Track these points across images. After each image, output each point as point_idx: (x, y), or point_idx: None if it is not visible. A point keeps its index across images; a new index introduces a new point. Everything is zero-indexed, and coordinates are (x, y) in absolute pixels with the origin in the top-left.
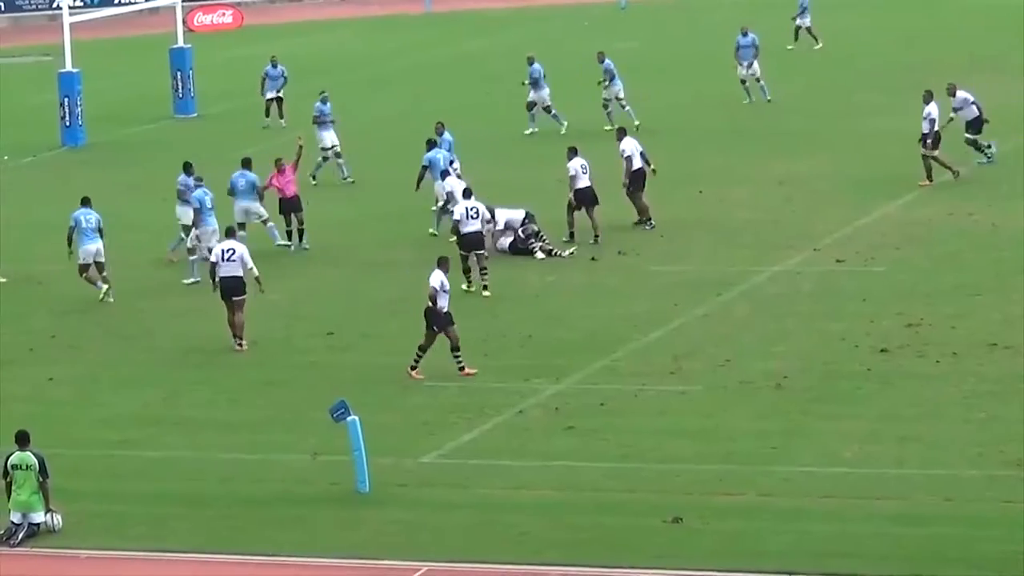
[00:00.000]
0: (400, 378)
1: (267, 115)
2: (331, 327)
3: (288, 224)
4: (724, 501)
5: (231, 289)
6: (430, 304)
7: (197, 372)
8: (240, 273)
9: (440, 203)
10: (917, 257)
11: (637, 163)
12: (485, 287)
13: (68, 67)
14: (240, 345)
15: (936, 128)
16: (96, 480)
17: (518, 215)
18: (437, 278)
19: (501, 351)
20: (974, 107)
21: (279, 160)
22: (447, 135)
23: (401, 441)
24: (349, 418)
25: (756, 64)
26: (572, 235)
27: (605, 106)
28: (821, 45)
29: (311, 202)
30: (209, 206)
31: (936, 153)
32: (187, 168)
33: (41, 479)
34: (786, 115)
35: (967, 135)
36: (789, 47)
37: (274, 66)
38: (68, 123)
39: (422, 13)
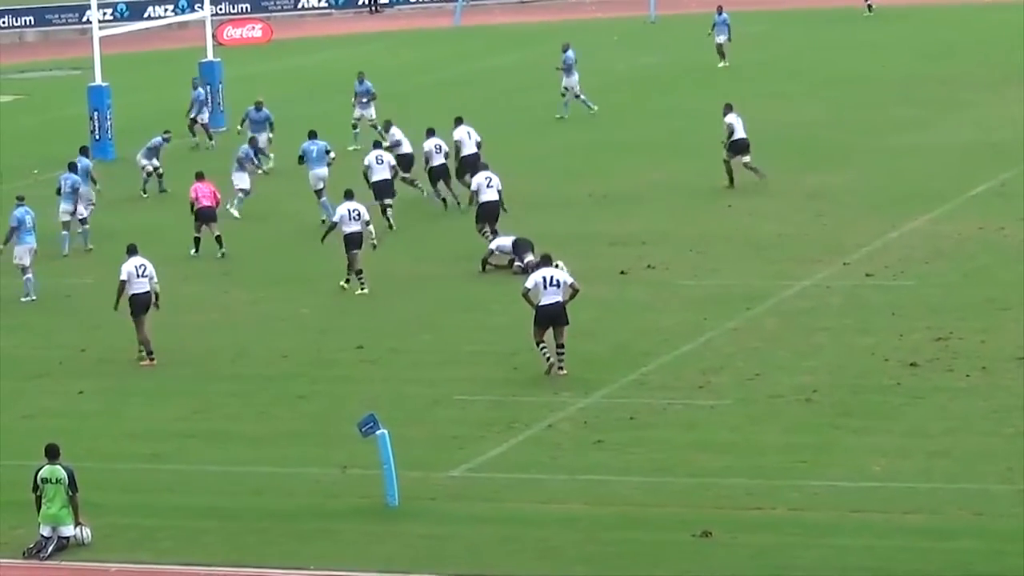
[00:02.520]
0: (429, 392)
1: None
2: (361, 341)
3: (198, 231)
4: (753, 515)
5: (143, 305)
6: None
7: (227, 385)
8: (149, 289)
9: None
10: (947, 271)
11: (740, 132)
12: (363, 285)
13: (98, 81)
14: (151, 360)
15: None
16: (126, 493)
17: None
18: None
19: (531, 365)
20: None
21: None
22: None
23: (430, 455)
24: (378, 432)
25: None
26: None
27: (563, 95)
28: (727, 64)
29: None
30: (29, 225)
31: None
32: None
33: (71, 492)
34: (816, 129)
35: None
36: (720, 64)
37: (258, 109)
38: (98, 137)
39: (451, 27)
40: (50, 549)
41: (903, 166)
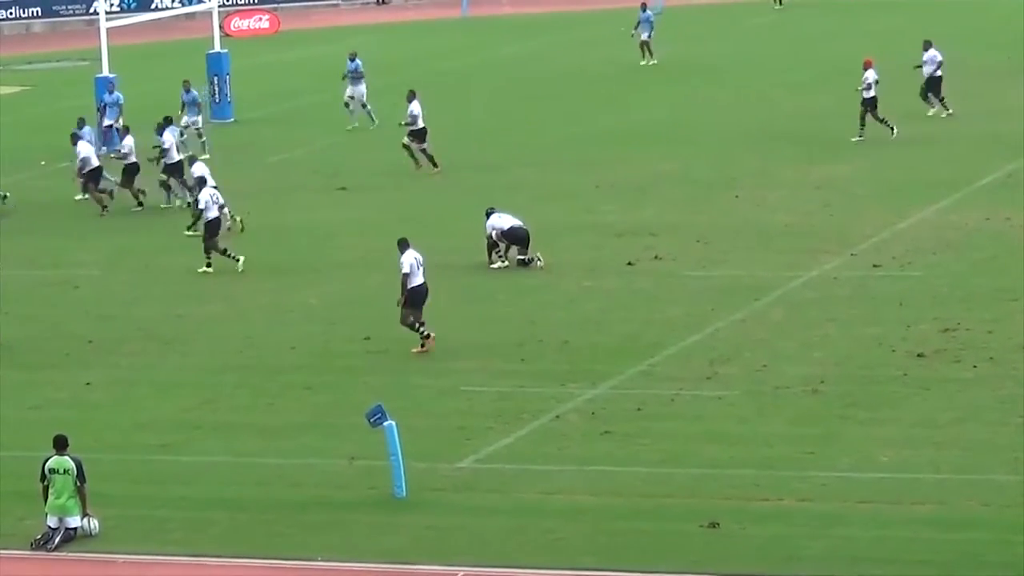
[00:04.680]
0: (437, 383)
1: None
2: (368, 332)
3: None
4: (761, 506)
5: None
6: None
7: (235, 376)
8: None
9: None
10: (954, 262)
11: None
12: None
13: (105, 72)
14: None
15: None
16: (134, 484)
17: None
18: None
19: (538, 356)
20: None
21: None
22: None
23: (438, 446)
24: (386, 423)
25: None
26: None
27: (347, 104)
28: (655, 62)
29: (347, 206)
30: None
31: None
32: None
33: (79, 483)
34: (823, 119)
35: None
36: (642, 63)
37: (187, 91)
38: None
39: (458, 18)
40: (57, 540)
41: (910, 157)
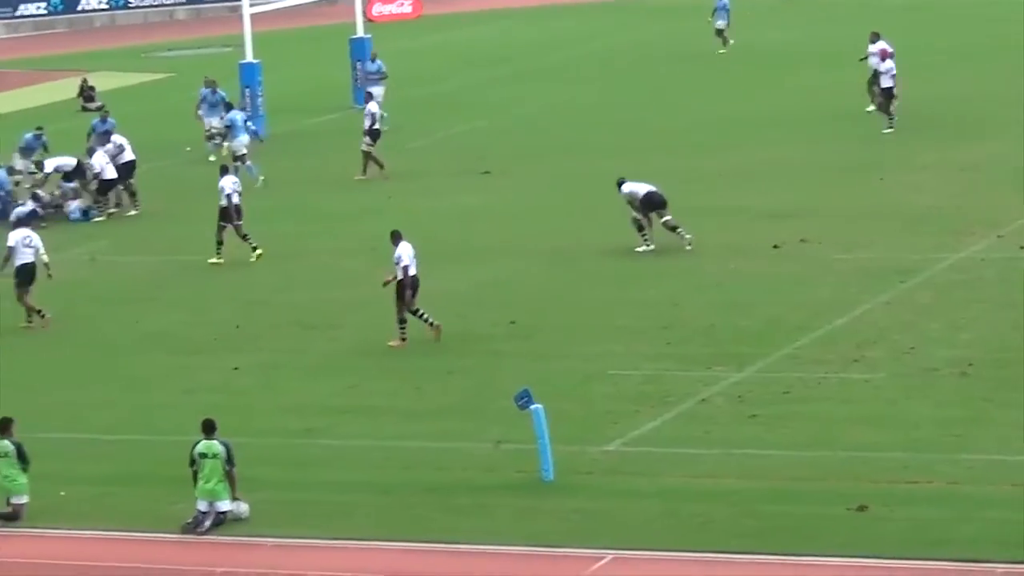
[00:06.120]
0: (583, 367)
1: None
2: (513, 316)
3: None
4: (909, 489)
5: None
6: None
7: (381, 361)
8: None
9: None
10: None
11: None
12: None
13: (249, 58)
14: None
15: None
16: (281, 468)
17: None
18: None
19: (683, 339)
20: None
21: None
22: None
23: (585, 429)
24: (533, 406)
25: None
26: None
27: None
28: (724, 51)
29: (490, 190)
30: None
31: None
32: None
33: (227, 467)
34: (967, 101)
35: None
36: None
37: (213, 91)
38: (249, 113)
39: (604, 1)
40: (207, 524)
41: None
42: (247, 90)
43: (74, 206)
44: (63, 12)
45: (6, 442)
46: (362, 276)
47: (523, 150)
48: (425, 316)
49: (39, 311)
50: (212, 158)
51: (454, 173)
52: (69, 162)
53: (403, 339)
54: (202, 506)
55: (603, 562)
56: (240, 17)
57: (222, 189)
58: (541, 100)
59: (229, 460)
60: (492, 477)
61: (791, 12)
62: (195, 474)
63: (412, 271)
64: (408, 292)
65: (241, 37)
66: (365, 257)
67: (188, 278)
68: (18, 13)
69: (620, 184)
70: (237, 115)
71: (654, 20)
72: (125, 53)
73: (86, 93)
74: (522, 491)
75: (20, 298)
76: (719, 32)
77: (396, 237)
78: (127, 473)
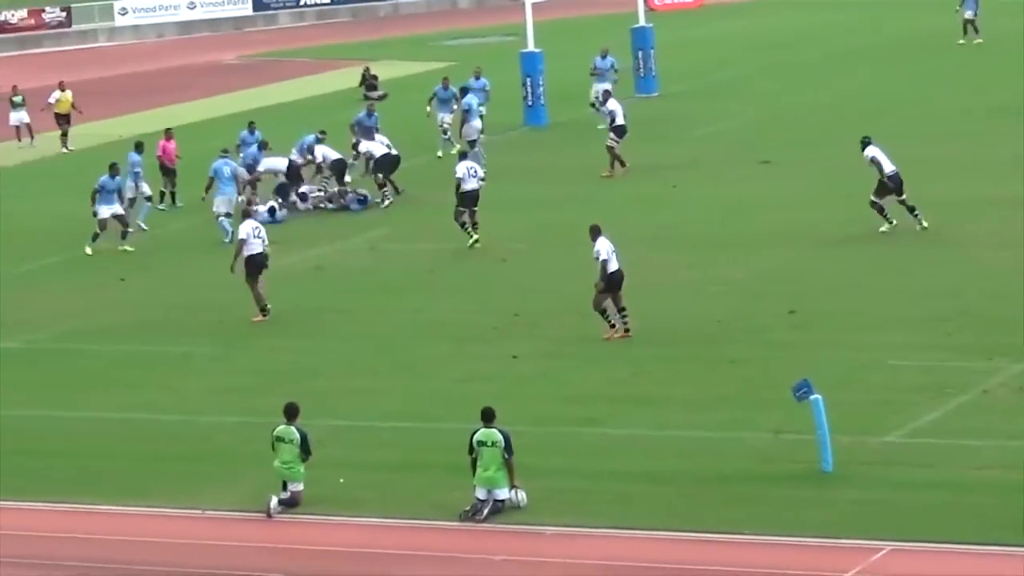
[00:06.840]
0: (860, 356)
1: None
2: (793, 305)
3: (163, 186)
4: None
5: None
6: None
7: (661, 350)
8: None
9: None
10: None
11: None
12: (476, 240)
13: (531, 47)
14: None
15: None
16: (560, 457)
17: None
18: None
19: (963, 329)
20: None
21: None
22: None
23: (863, 420)
24: (812, 396)
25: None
26: None
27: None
28: (980, 40)
29: (771, 179)
30: (227, 176)
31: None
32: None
33: (506, 456)
34: None
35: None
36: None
37: (251, 132)
38: (531, 103)
39: None
40: (485, 512)
41: None
42: (528, 79)
43: (350, 196)
44: (347, 1)
45: (292, 429)
46: (637, 265)
47: (805, 140)
48: (625, 317)
49: (265, 306)
50: (440, 154)
51: (737, 162)
52: (280, 164)
53: (613, 326)
54: (480, 494)
55: (881, 553)
56: (522, 6)
57: (455, 173)
58: (819, 89)
59: (508, 448)
60: (771, 467)
61: None
62: (474, 462)
63: (612, 266)
64: (603, 286)
65: (523, 26)
66: (643, 245)
67: (464, 265)
68: (302, 2)
69: (865, 143)
70: (472, 99)
71: (930, 12)
72: (407, 42)
73: (368, 82)
74: (801, 481)
75: (251, 288)
76: (968, 23)
77: (595, 232)
78: (405, 460)
